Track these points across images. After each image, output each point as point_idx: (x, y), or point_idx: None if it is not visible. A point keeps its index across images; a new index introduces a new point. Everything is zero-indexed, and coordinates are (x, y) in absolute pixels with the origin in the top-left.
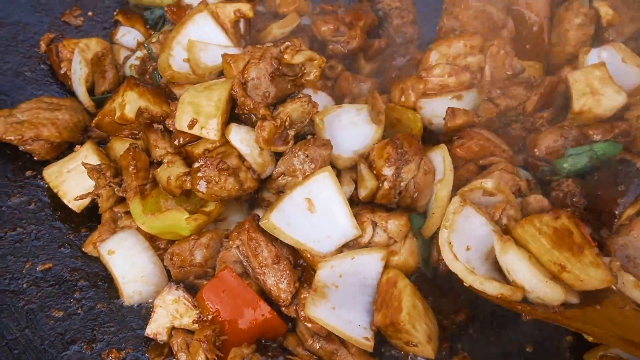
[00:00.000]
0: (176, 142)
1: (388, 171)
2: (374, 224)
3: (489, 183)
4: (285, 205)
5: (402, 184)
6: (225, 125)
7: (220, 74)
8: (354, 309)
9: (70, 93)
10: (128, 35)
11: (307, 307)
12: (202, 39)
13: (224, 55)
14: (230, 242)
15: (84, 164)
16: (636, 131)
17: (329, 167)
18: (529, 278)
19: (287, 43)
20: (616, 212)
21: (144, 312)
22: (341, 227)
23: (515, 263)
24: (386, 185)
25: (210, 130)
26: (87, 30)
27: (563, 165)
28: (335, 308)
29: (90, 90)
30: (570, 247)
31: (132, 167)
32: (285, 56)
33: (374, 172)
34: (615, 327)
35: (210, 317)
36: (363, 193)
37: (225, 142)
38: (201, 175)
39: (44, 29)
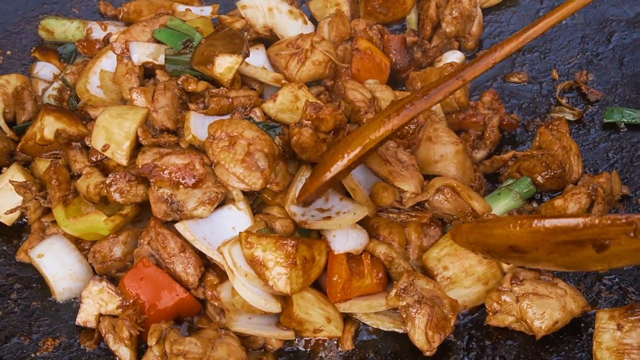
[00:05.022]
0: (93, 158)
1: None
2: None
3: None
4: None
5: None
6: (134, 149)
7: None
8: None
9: None
10: (45, 69)
11: (230, 326)
12: (112, 70)
13: (131, 89)
14: (142, 240)
15: (12, 182)
16: None
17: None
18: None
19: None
20: None
21: (74, 306)
22: None
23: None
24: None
25: (120, 157)
26: (6, 68)
27: None
28: (251, 318)
29: (14, 121)
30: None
31: (54, 181)
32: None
33: None
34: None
35: (131, 301)
36: None
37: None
38: (114, 188)
39: None
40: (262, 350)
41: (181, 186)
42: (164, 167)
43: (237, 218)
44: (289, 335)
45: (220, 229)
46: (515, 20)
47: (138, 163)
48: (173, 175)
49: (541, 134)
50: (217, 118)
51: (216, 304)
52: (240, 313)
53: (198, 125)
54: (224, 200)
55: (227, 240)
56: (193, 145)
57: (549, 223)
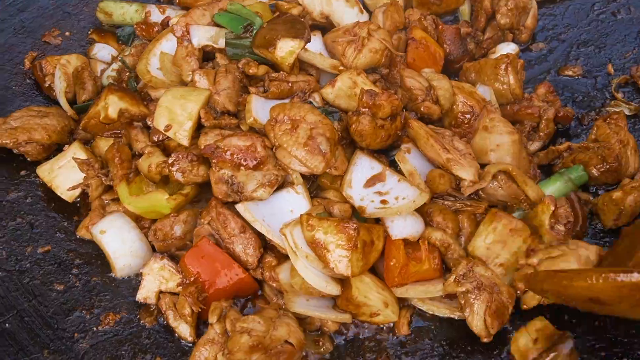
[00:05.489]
0: (155, 138)
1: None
2: None
3: None
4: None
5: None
6: (195, 130)
7: None
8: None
9: (55, 102)
10: (103, 51)
11: (289, 306)
12: (172, 52)
13: (193, 71)
14: (202, 220)
15: (75, 159)
16: None
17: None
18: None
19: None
20: None
21: (133, 282)
22: None
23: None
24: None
25: (182, 137)
26: (65, 48)
27: None
28: (309, 300)
29: (73, 100)
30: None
31: (117, 159)
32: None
33: None
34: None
35: (192, 279)
36: None
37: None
38: (177, 167)
39: (27, 49)
40: (319, 332)
41: (242, 168)
42: (226, 148)
43: (295, 201)
44: (346, 318)
45: (279, 212)
46: (570, 14)
47: (200, 143)
48: (235, 156)
49: (598, 127)
50: (277, 102)
51: (274, 285)
52: (298, 294)
53: (259, 108)
54: (282, 184)
55: (288, 222)
56: (253, 128)
57: (636, 278)
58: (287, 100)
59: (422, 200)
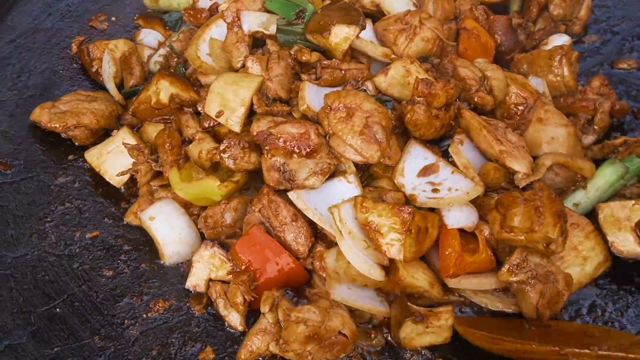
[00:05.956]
0: (205, 124)
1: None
2: None
3: None
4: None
5: None
6: (247, 117)
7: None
8: None
9: (101, 87)
10: (149, 36)
11: (330, 293)
12: (221, 38)
13: (246, 57)
14: (253, 207)
15: (125, 144)
16: None
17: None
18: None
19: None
20: None
21: (181, 270)
22: None
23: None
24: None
25: (234, 123)
26: (111, 34)
27: None
28: (351, 288)
29: (119, 85)
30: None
31: (167, 144)
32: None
33: None
34: None
35: (243, 267)
36: None
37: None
38: (228, 154)
39: (73, 33)
40: (369, 324)
41: (295, 155)
42: (279, 135)
43: (347, 190)
44: (385, 312)
45: (330, 200)
46: (624, 6)
47: (253, 130)
48: (288, 143)
49: None
50: (330, 89)
51: (324, 275)
52: (341, 281)
53: (312, 95)
54: (333, 172)
55: (337, 203)
56: (305, 115)
57: None
58: (339, 88)
59: (476, 193)
